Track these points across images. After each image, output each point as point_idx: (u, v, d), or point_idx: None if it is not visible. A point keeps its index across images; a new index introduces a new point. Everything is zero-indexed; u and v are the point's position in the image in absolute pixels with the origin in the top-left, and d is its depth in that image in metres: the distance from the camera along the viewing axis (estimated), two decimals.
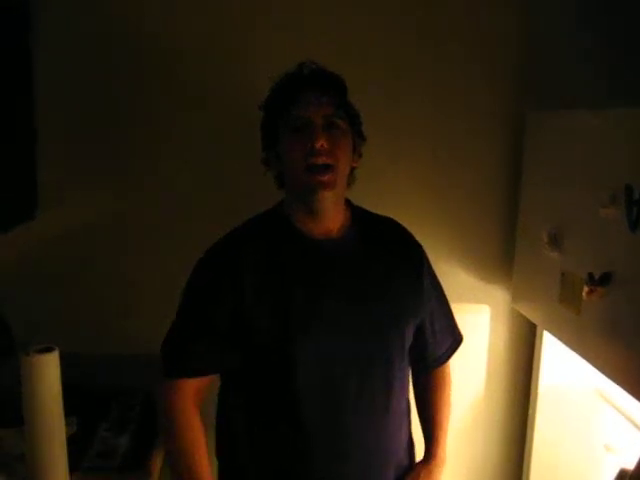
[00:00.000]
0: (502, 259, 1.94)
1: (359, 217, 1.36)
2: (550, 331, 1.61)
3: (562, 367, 1.82)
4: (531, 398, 1.90)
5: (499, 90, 1.86)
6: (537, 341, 1.86)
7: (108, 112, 1.77)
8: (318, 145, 1.21)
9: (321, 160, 1.22)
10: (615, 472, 1.35)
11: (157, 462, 1.54)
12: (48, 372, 1.29)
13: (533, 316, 1.78)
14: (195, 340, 1.28)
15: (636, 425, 1.60)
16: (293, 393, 1.24)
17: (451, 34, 1.82)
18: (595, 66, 1.84)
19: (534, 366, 1.87)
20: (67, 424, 1.49)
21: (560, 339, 1.55)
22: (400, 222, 1.47)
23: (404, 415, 1.40)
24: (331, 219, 1.31)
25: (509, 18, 1.82)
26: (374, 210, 1.45)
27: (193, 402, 1.29)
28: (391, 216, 1.45)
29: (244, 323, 1.24)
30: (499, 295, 1.97)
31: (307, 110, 1.24)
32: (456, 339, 1.52)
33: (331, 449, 1.26)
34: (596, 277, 1.32)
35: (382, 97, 1.82)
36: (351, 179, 1.34)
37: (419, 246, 1.44)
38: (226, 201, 1.80)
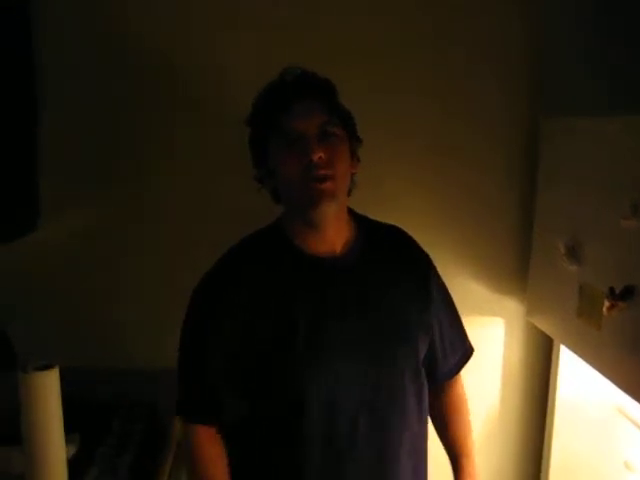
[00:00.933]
0: (516, 270, 1.88)
1: (364, 229, 1.29)
2: (568, 346, 1.55)
3: (580, 382, 1.76)
4: (548, 414, 1.83)
5: (513, 94, 1.81)
6: (554, 355, 1.79)
7: (110, 121, 1.74)
8: (315, 158, 1.13)
9: (320, 173, 1.14)
10: None
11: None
12: (47, 390, 1.25)
13: (550, 330, 1.72)
14: (202, 385, 1.23)
15: None
16: (297, 438, 1.18)
17: (463, 36, 1.78)
18: (611, 69, 1.78)
19: (551, 381, 1.81)
20: (68, 442, 1.45)
21: (579, 354, 1.49)
22: (410, 231, 1.42)
23: (420, 455, 1.31)
24: (334, 234, 1.23)
25: (522, 19, 1.77)
26: (381, 218, 1.38)
27: (213, 436, 1.25)
28: (400, 224, 1.40)
29: (247, 359, 1.18)
30: (513, 307, 1.91)
31: (299, 122, 1.16)
32: (466, 351, 1.43)
33: None
34: (617, 291, 1.26)
35: (391, 101, 1.77)
36: (352, 185, 1.26)
37: (426, 256, 1.37)
38: (231, 212, 1.75)
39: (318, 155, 1.13)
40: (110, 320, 1.79)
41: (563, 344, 1.58)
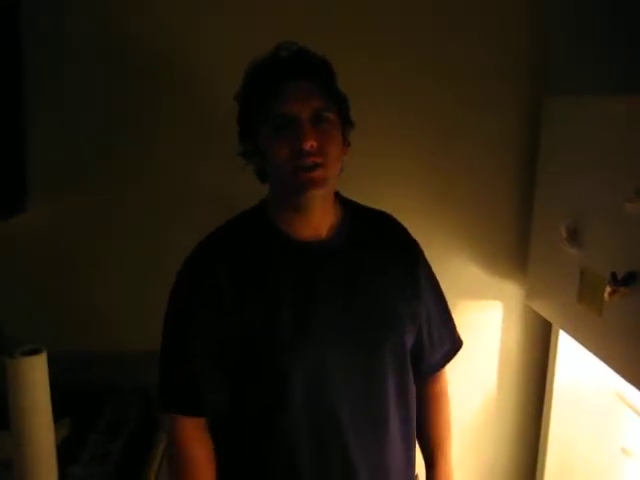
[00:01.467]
0: (516, 253, 1.85)
1: (350, 214, 1.24)
2: (568, 332, 1.52)
3: (579, 367, 1.74)
4: (545, 399, 1.81)
5: (514, 76, 1.76)
6: (552, 340, 1.77)
7: (96, 107, 1.68)
8: (307, 146, 1.08)
9: (310, 161, 1.09)
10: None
11: (153, 468, 1.48)
12: (35, 375, 1.21)
13: (549, 315, 1.70)
14: (184, 374, 1.17)
15: None
16: (283, 424, 1.14)
17: (462, 18, 1.72)
18: (613, 50, 1.74)
19: (549, 366, 1.79)
20: (59, 427, 1.43)
21: (578, 340, 1.46)
22: (407, 212, 1.42)
23: (409, 439, 1.26)
24: (320, 218, 1.18)
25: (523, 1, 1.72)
26: (378, 199, 1.35)
27: (199, 433, 1.19)
28: (396, 205, 1.39)
29: (231, 345, 1.14)
30: (512, 291, 1.88)
31: (292, 106, 1.10)
32: (454, 344, 1.37)
33: None
34: (619, 277, 1.23)
35: (390, 81, 1.72)
36: (341, 168, 1.19)
37: (415, 243, 1.32)
38: (214, 196, 1.71)
39: (310, 143, 1.08)
40: (103, 301, 1.75)
41: (563, 329, 1.56)
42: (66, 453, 1.36)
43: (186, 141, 1.71)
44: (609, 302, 1.26)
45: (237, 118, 1.20)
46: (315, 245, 1.17)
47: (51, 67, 1.66)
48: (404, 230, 1.32)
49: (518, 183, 1.82)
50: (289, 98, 1.10)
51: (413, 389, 1.25)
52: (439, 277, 1.84)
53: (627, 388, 1.66)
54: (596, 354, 1.38)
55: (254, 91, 1.15)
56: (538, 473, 1.84)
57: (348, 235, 1.21)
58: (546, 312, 1.71)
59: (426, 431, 1.34)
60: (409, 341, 1.23)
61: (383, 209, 1.79)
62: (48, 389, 1.24)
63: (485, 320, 1.90)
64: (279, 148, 1.10)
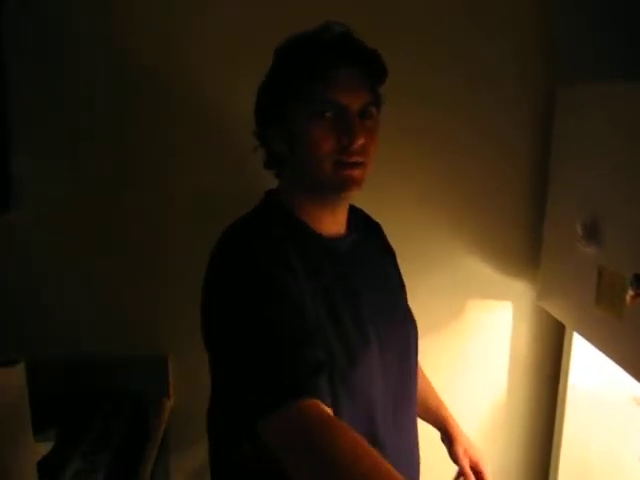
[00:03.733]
0: (528, 251, 1.75)
1: (349, 208, 1.18)
2: (584, 335, 1.41)
3: (593, 371, 1.64)
4: (558, 404, 1.72)
5: (527, 64, 1.66)
6: (566, 342, 1.67)
7: (79, 102, 1.58)
8: (358, 144, 0.99)
9: (354, 159, 1.01)
10: None
11: None
12: (10, 388, 1.13)
13: (563, 317, 1.60)
14: (305, 344, 0.91)
15: None
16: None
17: (476, 6, 1.62)
18: (630, 35, 1.63)
19: (562, 369, 1.69)
20: (43, 438, 1.36)
21: (596, 345, 1.36)
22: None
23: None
24: (344, 215, 1.13)
25: None
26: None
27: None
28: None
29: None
30: (522, 291, 1.78)
31: (343, 95, 0.99)
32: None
33: None
34: None
35: (401, 75, 1.60)
36: None
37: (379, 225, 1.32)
38: (200, 196, 1.62)
39: (361, 141, 0.99)
40: (91, 303, 1.66)
41: (578, 333, 1.45)
42: (50, 466, 1.28)
43: (170, 136, 1.61)
44: (631, 306, 1.17)
45: (263, 94, 1.09)
46: (343, 244, 1.11)
47: (36, 64, 1.55)
48: (366, 214, 1.30)
49: (530, 177, 1.72)
50: (341, 85, 1.00)
51: None
52: (445, 274, 1.78)
53: None
54: (615, 359, 1.28)
55: (298, 68, 1.01)
56: (551, 479, 1.76)
57: (357, 231, 1.16)
58: (559, 314, 1.61)
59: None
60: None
61: (390, 204, 1.70)
62: (27, 402, 1.16)
63: (494, 320, 1.80)
64: (323, 138, 1.00)
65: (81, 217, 1.62)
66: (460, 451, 1.33)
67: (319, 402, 0.83)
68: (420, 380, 1.33)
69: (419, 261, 1.73)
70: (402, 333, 1.16)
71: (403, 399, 1.15)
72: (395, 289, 1.23)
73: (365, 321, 1.06)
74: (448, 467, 1.34)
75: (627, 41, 1.64)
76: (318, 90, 0.99)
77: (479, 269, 1.77)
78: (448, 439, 1.35)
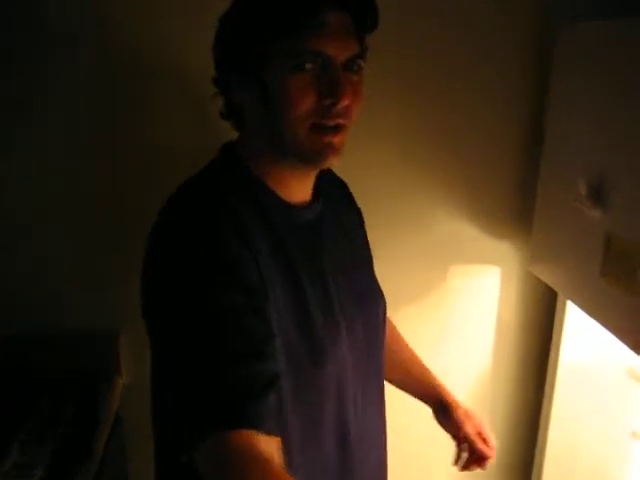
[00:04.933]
0: (518, 209, 1.58)
1: None
2: (584, 308, 1.26)
3: (587, 341, 1.51)
4: (548, 376, 1.59)
5: (515, 6, 1.45)
6: (558, 312, 1.53)
7: None
8: (344, 105, 0.83)
9: (335, 122, 0.85)
10: None
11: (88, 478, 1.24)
12: None
13: (558, 285, 1.43)
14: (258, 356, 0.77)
15: None
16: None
17: None
18: None
19: (554, 340, 1.56)
20: None
21: (600, 321, 1.20)
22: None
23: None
24: (313, 181, 0.97)
25: None
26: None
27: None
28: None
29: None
30: (512, 254, 1.62)
31: (331, 45, 0.82)
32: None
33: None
34: None
35: (385, 23, 1.40)
36: None
37: (347, 188, 1.16)
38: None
39: (347, 102, 0.83)
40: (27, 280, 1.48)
41: (578, 306, 1.30)
42: None
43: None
44: None
45: (227, 32, 0.88)
46: (309, 212, 0.95)
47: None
48: (340, 180, 1.15)
49: (523, 130, 1.53)
50: (328, 32, 0.81)
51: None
52: (427, 237, 1.62)
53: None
54: (619, 335, 1.13)
55: (278, 5, 0.82)
56: (537, 457, 1.65)
57: (324, 195, 1.00)
58: (555, 282, 1.45)
59: (400, 361, 1.26)
60: None
61: (367, 159, 1.51)
62: None
63: (480, 287, 1.65)
64: (301, 96, 0.82)
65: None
66: (462, 417, 1.20)
67: (252, 434, 0.72)
68: (401, 349, 1.27)
69: (398, 223, 1.56)
70: (371, 312, 1.05)
71: (371, 385, 1.04)
72: (362, 260, 1.10)
73: (334, 306, 0.93)
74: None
75: None
76: (301, 36, 0.81)
77: (464, 230, 1.60)
78: (444, 407, 1.22)
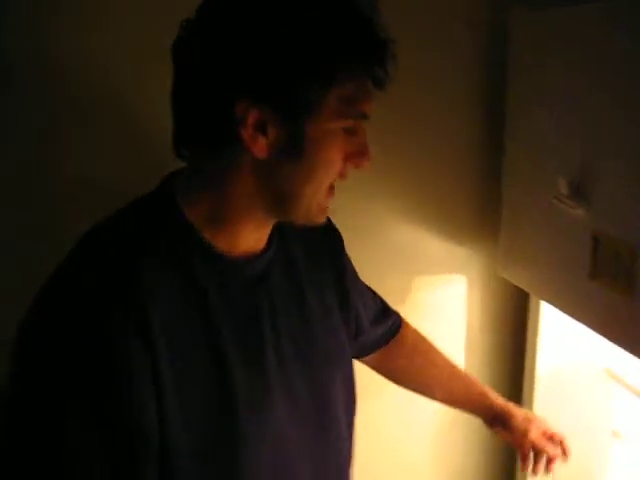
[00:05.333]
0: (481, 215, 1.52)
1: None
2: (574, 317, 1.18)
3: (563, 342, 1.46)
4: (526, 379, 1.52)
5: None
6: (532, 314, 1.47)
7: None
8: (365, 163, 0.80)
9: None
10: None
11: None
12: None
13: (535, 289, 1.37)
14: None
15: None
16: None
17: None
18: None
19: (528, 344, 1.50)
20: None
21: (594, 328, 1.11)
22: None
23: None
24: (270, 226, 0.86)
25: None
26: None
27: None
28: None
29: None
30: (479, 262, 1.55)
31: (369, 102, 0.78)
32: (395, 322, 1.20)
33: None
34: None
35: None
36: None
37: (336, 232, 1.04)
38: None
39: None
40: None
41: (564, 311, 1.22)
42: None
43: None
44: None
45: (254, 51, 0.70)
46: (254, 266, 0.81)
47: None
48: (332, 226, 1.04)
49: (482, 130, 1.46)
50: (371, 94, 0.77)
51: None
52: (389, 249, 1.52)
53: (621, 364, 1.42)
54: (620, 344, 1.06)
55: (344, 49, 0.72)
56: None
57: (278, 243, 0.87)
58: (531, 286, 1.37)
59: (436, 372, 1.20)
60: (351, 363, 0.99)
61: None
62: None
63: (446, 296, 1.57)
64: (339, 159, 0.76)
65: None
66: (523, 425, 1.13)
67: None
68: (440, 372, 1.21)
69: (357, 237, 1.39)
70: (327, 379, 0.91)
71: (329, 464, 0.92)
72: (328, 317, 0.94)
73: (269, 381, 0.80)
74: None
75: None
76: (362, 90, 0.75)
77: (426, 240, 1.51)
78: (497, 417, 1.15)
